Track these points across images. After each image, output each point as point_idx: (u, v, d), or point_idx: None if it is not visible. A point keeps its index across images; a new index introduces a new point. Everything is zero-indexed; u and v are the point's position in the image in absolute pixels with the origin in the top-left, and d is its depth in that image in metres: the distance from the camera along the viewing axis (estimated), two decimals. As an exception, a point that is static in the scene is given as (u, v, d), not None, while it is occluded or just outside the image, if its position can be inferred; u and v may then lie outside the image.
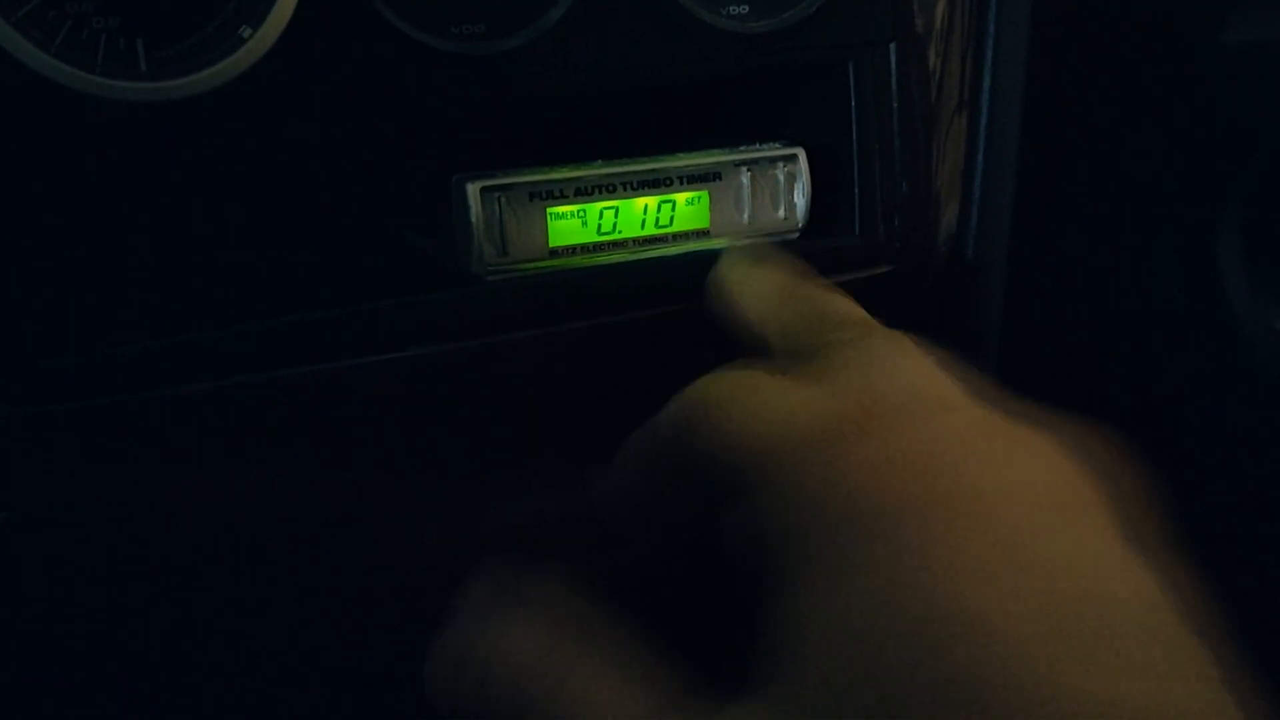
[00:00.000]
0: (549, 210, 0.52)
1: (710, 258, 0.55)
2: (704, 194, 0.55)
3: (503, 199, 0.51)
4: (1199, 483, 0.84)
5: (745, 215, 0.56)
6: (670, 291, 0.54)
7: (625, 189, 0.54)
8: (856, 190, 0.58)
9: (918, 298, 0.61)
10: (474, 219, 0.51)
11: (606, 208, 0.53)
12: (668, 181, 0.54)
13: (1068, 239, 0.76)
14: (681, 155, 0.55)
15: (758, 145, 0.56)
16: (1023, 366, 0.77)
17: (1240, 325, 0.82)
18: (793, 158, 0.57)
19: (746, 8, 0.54)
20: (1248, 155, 0.82)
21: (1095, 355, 0.87)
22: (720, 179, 0.55)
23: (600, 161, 0.53)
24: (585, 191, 0.53)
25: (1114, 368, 0.87)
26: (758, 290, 0.47)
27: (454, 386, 0.51)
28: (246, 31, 0.45)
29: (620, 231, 0.54)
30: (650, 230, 0.54)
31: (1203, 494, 0.84)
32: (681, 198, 0.55)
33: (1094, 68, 0.75)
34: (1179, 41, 0.78)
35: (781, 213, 0.57)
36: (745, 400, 0.36)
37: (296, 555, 0.54)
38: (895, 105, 0.57)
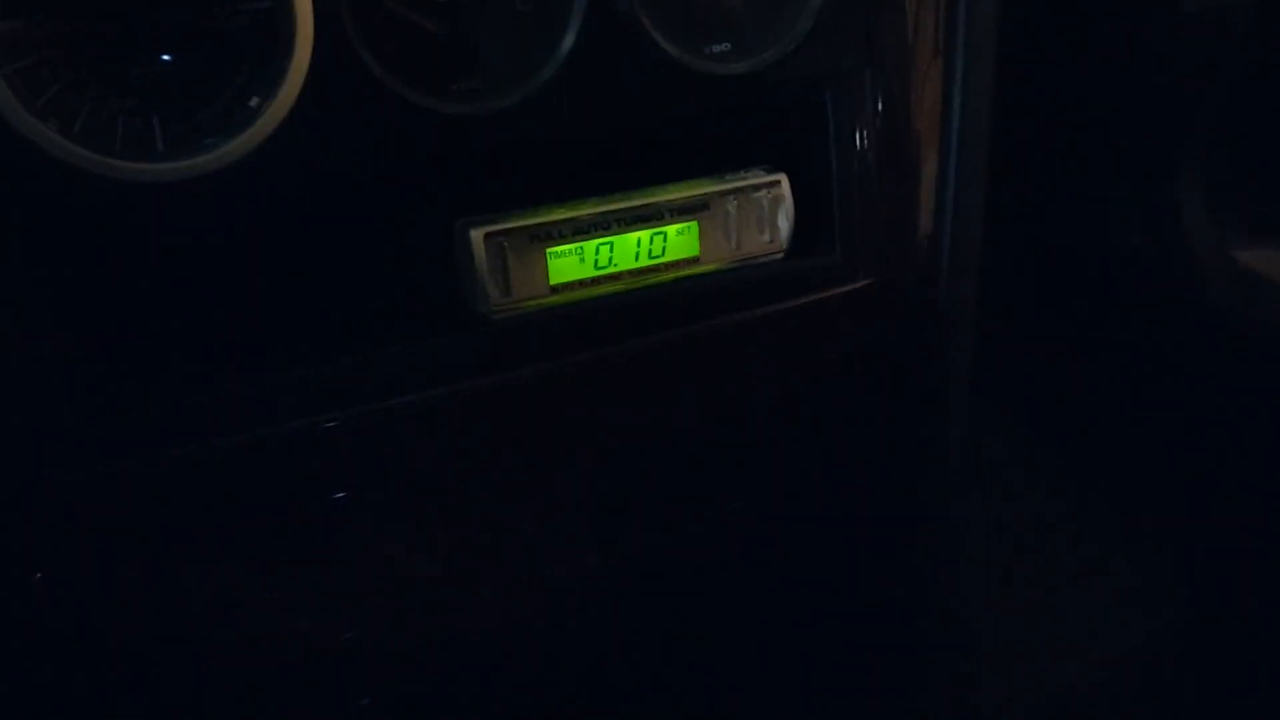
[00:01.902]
0: (549, 250, 0.55)
1: (701, 283, 0.59)
2: (693, 224, 0.58)
3: (505, 243, 0.54)
4: (1174, 426, 0.90)
5: (733, 241, 0.59)
6: (665, 317, 0.58)
7: (619, 225, 0.56)
8: (836, 210, 0.61)
9: (894, 307, 0.65)
10: (478, 263, 0.53)
11: (602, 243, 0.56)
12: (659, 215, 0.57)
13: (1039, 230, 0.80)
14: (670, 187, 0.58)
15: (742, 173, 0.59)
16: (1002, 352, 0.81)
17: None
18: (776, 183, 0.59)
19: (728, 46, 0.56)
20: (1202, 105, 0.86)
21: (1074, 319, 0.91)
22: (708, 208, 0.58)
23: (594, 199, 0.56)
24: (582, 230, 0.55)
25: (1088, 337, 0.92)
26: None
27: (467, 426, 0.54)
28: (255, 102, 0.47)
29: (616, 265, 0.56)
30: (644, 261, 0.57)
31: (1177, 438, 0.90)
32: (672, 229, 0.57)
33: (1060, 61, 0.78)
34: (1140, 11, 0.81)
35: (767, 236, 0.60)
36: None
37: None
38: (871, 128, 0.60)
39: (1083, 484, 0.94)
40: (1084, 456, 0.94)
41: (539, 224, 0.54)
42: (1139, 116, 0.85)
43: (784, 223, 0.60)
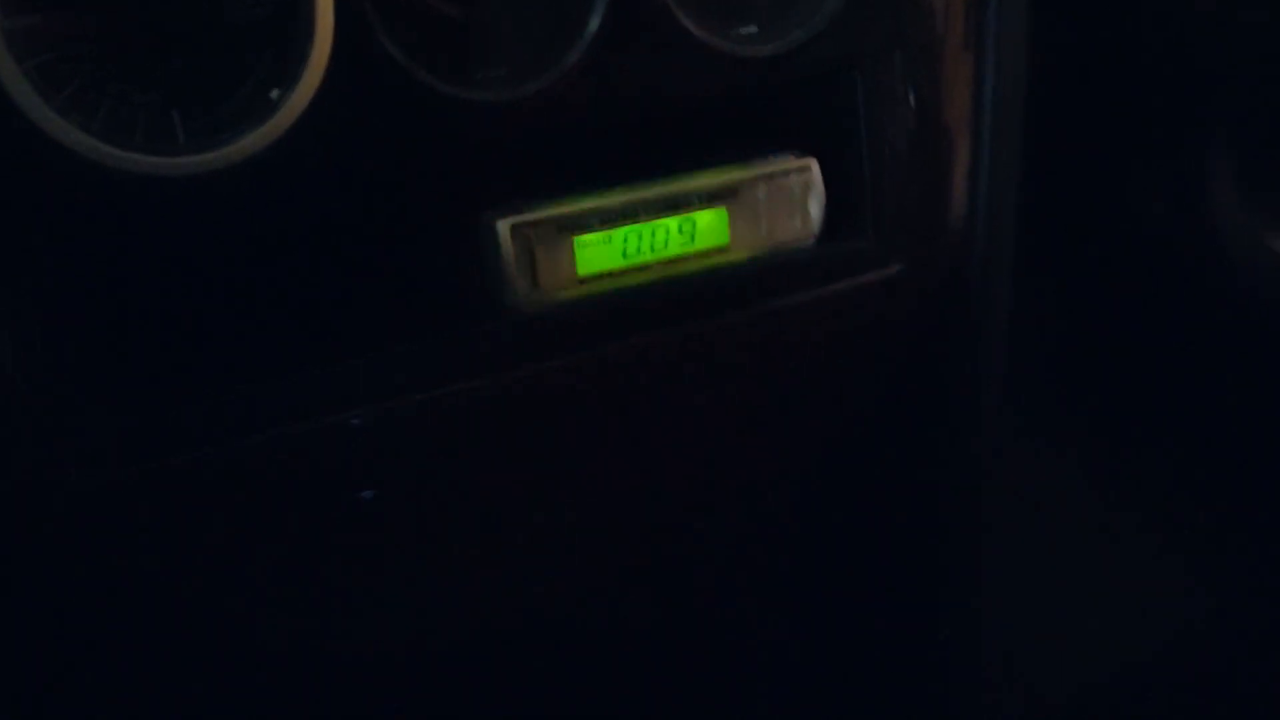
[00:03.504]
0: (576, 240, 0.54)
1: (731, 271, 0.57)
2: (723, 211, 0.57)
3: (532, 234, 0.53)
4: (1205, 416, 0.88)
5: (763, 228, 0.58)
6: (695, 306, 0.57)
7: (648, 213, 0.55)
8: (868, 195, 0.60)
9: (927, 295, 0.63)
10: (505, 255, 0.52)
11: (631, 232, 0.55)
12: (688, 202, 0.56)
13: (1074, 216, 0.78)
14: (699, 174, 0.56)
15: (772, 158, 0.58)
16: (1035, 341, 0.80)
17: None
18: (807, 169, 0.58)
19: (755, 28, 0.55)
20: (1239, 86, 0.83)
21: (1107, 309, 0.89)
22: (738, 195, 0.57)
23: (622, 187, 0.55)
24: (610, 219, 0.54)
25: (1126, 326, 0.89)
26: None
27: (497, 417, 0.53)
28: (276, 94, 0.46)
29: (645, 254, 0.55)
30: (674, 250, 0.56)
31: (1209, 429, 0.88)
32: (702, 217, 0.56)
33: (1093, 46, 0.76)
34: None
35: (798, 222, 0.58)
36: None
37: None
38: (902, 111, 0.59)
39: (1116, 476, 0.92)
40: (1117, 448, 0.92)
41: (566, 214, 0.53)
42: (1175, 97, 0.83)
43: (815, 209, 0.59)
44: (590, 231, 0.54)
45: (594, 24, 0.50)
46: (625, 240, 0.55)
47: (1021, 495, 0.85)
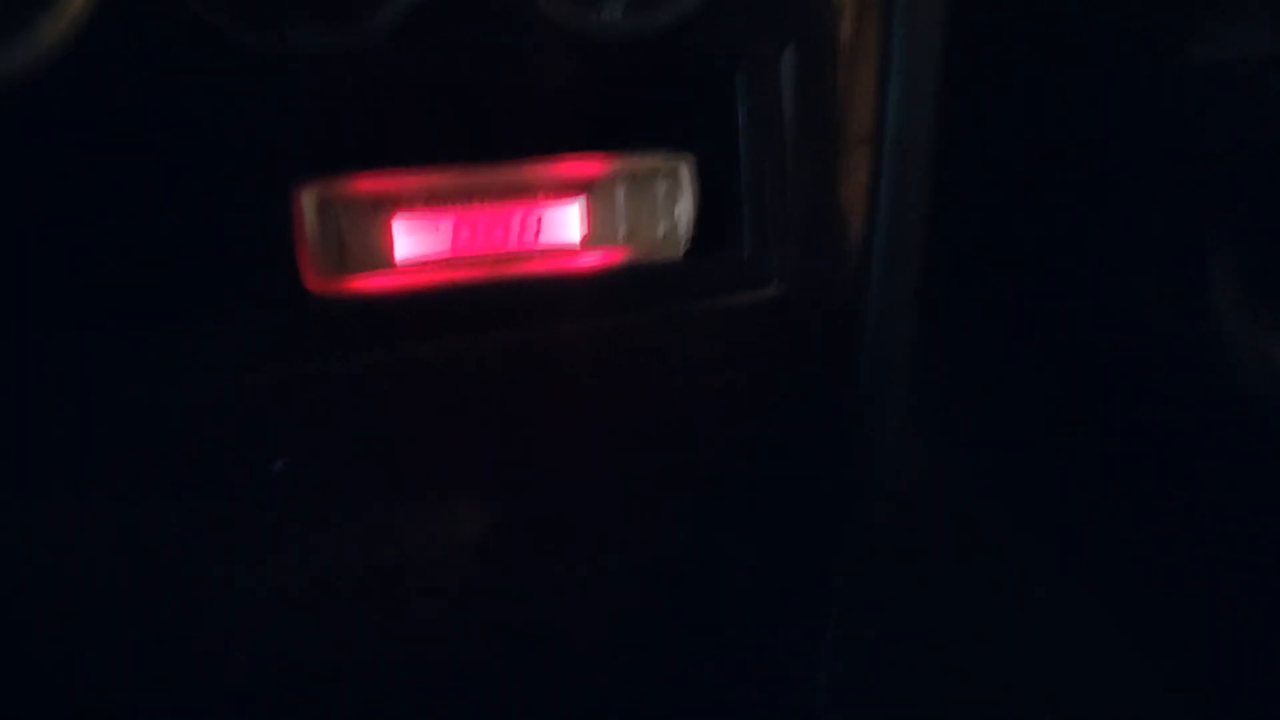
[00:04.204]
0: (395, 220, 0.48)
1: (580, 278, 0.51)
2: (575, 206, 0.51)
3: (342, 208, 0.47)
4: (1189, 510, 0.80)
5: (620, 232, 0.52)
6: (532, 312, 0.51)
7: (483, 196, 0.49)
8: (745, 206, 0.54)
9: (813, 324, 0.57)
10: (308, 231, 0.46)
11: (461, 217, 0.49)
12: (531, 191, 0.50)
13: (991, 265, 0.72)
14: (549, 161, 0.50)
15: (638, 154, 0.52)
16: (939, 400, 0.73)
17: (1234, 354, 0.78)
18: (675, 169, 0.52)
19: (619, 7, 0.49)
20: (1227, 178, 0.77)
21: (1031, 390, 0.83)
22: (593, 190, 0.51)
23: (456, 166, 0.49)
24: (437, 198, 0.48)
25: (1065, 402, 0.83)
26: None
27: (286, 412, 0.47)
28: (34, 13, 0.40)
29: (476, 245, 0.49)
30: (512, 245, 0.50)
31: (1193, 519, 0.81)
32: (548, 211, 0.50)
33: (1021, 82, 0.70)
34: (1133, 54, 0.73)
35: (661, 230, 0.52)
36: None
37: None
38: (788, 116, 0.53)
39: (1027, 528, 0.85)
40: (1034, 500, 0.85)
41: (385, 189, 0.47)
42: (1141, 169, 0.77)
43: (683, 215, 0.53)
44: (413, 210, 0.48)
45: (423, -24, 0.44)
46: (454, 226, 0.49)
47: (920, 550, 0.78)
